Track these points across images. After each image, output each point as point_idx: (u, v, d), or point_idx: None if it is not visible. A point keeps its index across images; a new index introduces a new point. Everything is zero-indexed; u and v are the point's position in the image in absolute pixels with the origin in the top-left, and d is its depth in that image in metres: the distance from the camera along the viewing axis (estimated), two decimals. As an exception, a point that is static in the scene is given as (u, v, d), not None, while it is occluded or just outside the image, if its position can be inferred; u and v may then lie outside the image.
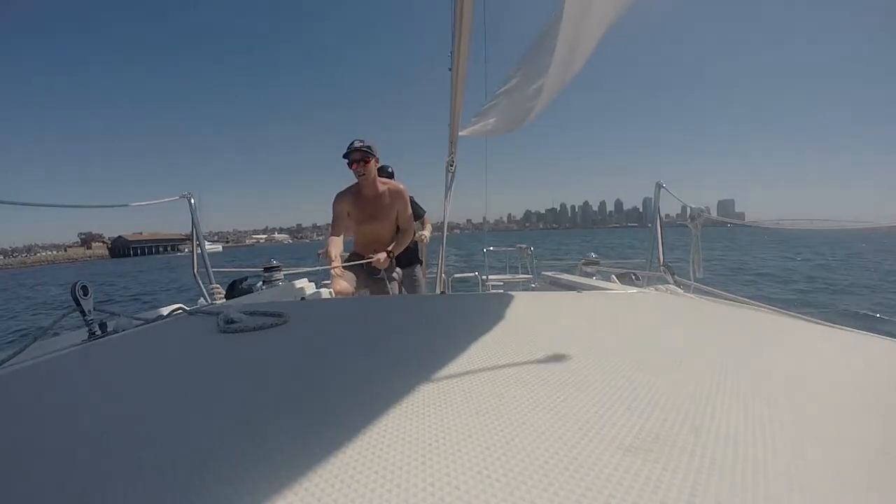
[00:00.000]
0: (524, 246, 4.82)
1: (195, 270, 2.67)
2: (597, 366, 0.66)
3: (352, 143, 2.61)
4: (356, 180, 2.66)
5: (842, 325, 1.02)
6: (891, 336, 0.86)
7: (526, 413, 0.48)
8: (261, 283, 2.68)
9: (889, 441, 0.42)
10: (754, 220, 2.35)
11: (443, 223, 3.85)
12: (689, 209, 2.38)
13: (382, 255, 2.58)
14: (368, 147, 2.59)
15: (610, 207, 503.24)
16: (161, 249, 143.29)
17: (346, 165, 2.63)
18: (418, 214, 3.74)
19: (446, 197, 3.66)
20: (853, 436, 0.43)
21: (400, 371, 0.67)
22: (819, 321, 1.09)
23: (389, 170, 3.58)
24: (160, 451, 0.43)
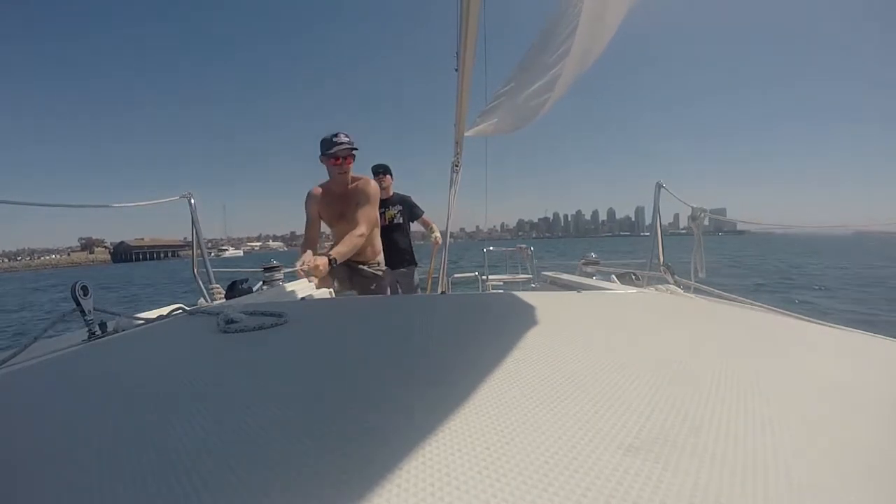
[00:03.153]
0: (524, 246, 4.84)
1: (195, 270, 2.66)
2: (597, 365, 0.66)
3: (337, 135, 2.36)
4: (333, 177, 2.44)
5: (842, 325, 1.03)
6: (891, 336, 0.88)
7: (526, 413, 0.49)
8: (261, 283, 2.70)
9: (890, 441, 0.42)
10: (746, 224, 2.36)
11: (446, 223, 3.86)
12: (690, 209, 2.40)
13: (321, 261, 2.01)
14: (352, 142, 2.39)
15: (603, 216, 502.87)
16: (162, 255, 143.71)
17: (327, 158, 2.38)
18: (417, 215, 3.78)
19: (451, 197, 3.67)
20: (853, 436, 0.43)
21: (400, 371, 0.67)
22: (819, 321, 1.11)
23: (383, 170, 3.58)
24: (160, 452, 0.43)
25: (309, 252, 2.19)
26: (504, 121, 2.63)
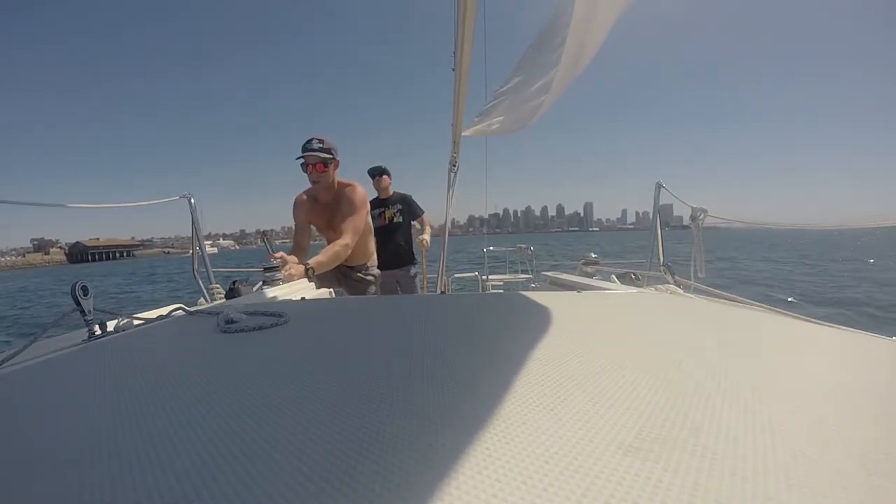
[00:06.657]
0: (524, 246, 4.85)
1: (195, 270, 2.71)
2: (597, 366, 0.65)
3: (309, 142, 2.30)
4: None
5: (842, 325, 1.05)
6: (890, 336, 0.89)
7: (525, 413, 0.48)
8: (261, 283, 2.55)
9: (889, 441, 0.41)
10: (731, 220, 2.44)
11: (445, 223, 3.91)
12: (690, 209, 2.44)
13: (296, 270, 2.05)
14: (329, 149, 2.30)
15: (552, 212, 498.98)
16: (117, 255, 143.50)
17: (300, 168, 2.32)
18: (417, 214, 3.80)
19: (448, 197, 3.68)
20: (853, 435, 0.42)
21: (400, 371, 0.67)
22: (819, 321, 1.12)
23: (379, 172, 3.63)
24: (160, 452, 0.43)
25: (293, 258, 2.22)
26: (503, 121, 2.66)
